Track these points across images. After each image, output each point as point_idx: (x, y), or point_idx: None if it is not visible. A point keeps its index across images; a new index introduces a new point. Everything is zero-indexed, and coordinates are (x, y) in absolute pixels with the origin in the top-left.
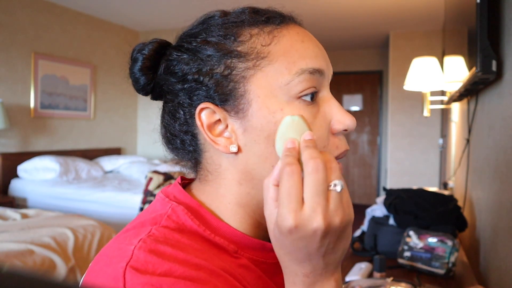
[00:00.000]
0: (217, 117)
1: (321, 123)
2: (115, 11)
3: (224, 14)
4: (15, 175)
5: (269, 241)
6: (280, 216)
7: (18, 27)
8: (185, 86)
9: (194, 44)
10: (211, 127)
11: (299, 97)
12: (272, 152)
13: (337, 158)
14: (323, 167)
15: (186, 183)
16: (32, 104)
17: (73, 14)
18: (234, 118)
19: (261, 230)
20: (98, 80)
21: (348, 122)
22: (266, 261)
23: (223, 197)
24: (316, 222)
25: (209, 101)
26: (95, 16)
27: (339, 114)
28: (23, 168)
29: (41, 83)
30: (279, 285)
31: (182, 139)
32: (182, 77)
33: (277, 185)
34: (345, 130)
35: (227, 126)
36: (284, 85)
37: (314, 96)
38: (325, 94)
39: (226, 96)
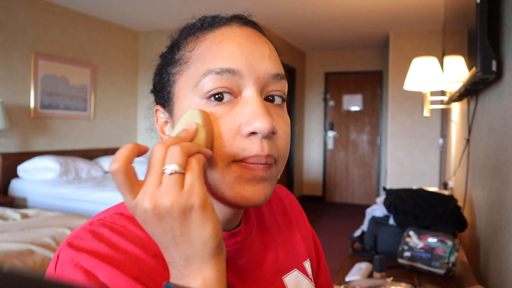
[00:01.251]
0: (164, 118)
1: (225, 123)
2: (115, 11)
3: (184, 26)
4: (15, 175)
5: (228, 231)
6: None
7: (18, 27)
8: (153, 92)
9: (161, 54)
10: (162, 126)
11: (208, 97)
12: None
13: (249, 161)
14: (160, 151)
15: None
16: (32, 104)
17: (73, 14)
18: (170, 118)
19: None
20: (98, 80)
21: (257, 124)
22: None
23: None
24: (144, 202)
25: (159, 103)
26: (95, 16)
27: (250, 116)
28: (23, 168)
29: (41, 83)
30: (238, 270)
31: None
32: (153, 85)
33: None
34: (254, 133)
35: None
36: (194, 87)
37: (222, 96)
38: (248, 94)
39: (165, 98)
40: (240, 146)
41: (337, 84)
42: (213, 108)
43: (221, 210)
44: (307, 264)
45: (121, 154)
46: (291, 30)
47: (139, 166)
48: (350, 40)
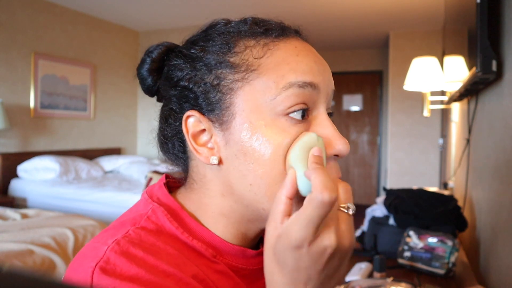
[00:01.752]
0: (202, 126)
1: None
2: (115, 11)
3: (226, 23)
4: (15, 175)
5: (253, 247)
6: (291, 230)
7: (18, 27)
8: (177, 92)
9: (192, 51)
10: (196, 135)
11: (287, 114)
12: (251, 170)
13: None
14: (334, 188)
15: (173, 187)
16: (32, 104)
17: (73, 14)
18: (218, 130)
19: (244, 240)
20: (98, 80)
21: (340, 147)
22: (246, 267)
23: (207, 206)
24: (329, 239)
25: (196, 109)
26: (95, 16)
27: (332, 137)
28: (23, 168)
29: (41, 83)
30: None
31: (172, 144)
32: (175, 82)
33: (291, 199)
34: (336, 155)
35: (211, 137)
36: (270, 100)
37: (304, 113)
38: (320, 112)
39: (212, 106)
40: None
41: (337, 84)
42: (291, 126)
43: (260, 228)
44: None
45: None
46: None
47: (139, 166)
48: (350, 40)
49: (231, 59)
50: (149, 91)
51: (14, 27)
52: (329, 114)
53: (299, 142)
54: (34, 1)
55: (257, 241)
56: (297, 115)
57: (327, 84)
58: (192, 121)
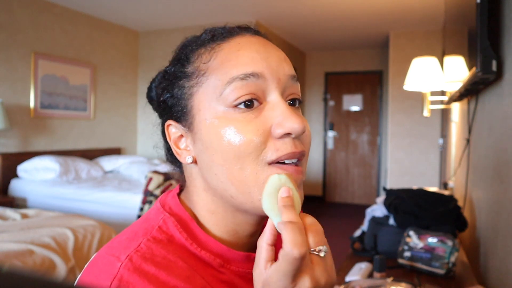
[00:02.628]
0: (179, 132)
1: (254, 127)
2: (115, 11)
3: (189, 39)
4: (15, 175)
5: (252, 251)
6: (272, 278)
7: (18, 27)
8: (160, 106)
9: (167, 69)
10: (177, 141)
11: (235, 106)
12: (214, 161)
13: (281, 160)
14: (305, 241)
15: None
16: (32, 104)
17: (73, 14)
18: (188, 132)
19: (237, 237)
20: (98, 80)
21: (288, 124)
22: (252, 271)
23: (197, 203)
24: (304, 285)
25: (172, 119)
26: (95, 16)
27: (280, 117)
28: (23, 168)
29: (41, 83)
30: None
31: (171, 152)
32: (157, 99)
33: (272, 245)
34: (289, 133)
35: (186, 140)
36: (218, 97)
37: (251, 103)
38: (272, 98)
39: (181, 113)
40: (273, 147)
41: (337, 84)
42: (241, 115)
43: (240, 226)
44: None
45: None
46: (291, 30)
47: (139, 166)
48: (350, 40)
49: (188, 70)
50: (157, 111)
51: (14, 27)
52: (293, 101)
53: (265, 190)
54: (34, 1)
55: (255, 239)
56: (243, 105)
57: (275, 69)
58: (171, 129)
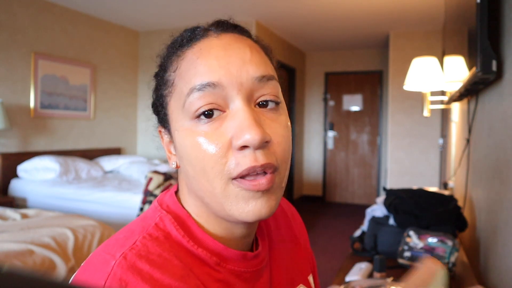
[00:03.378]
0: (168, 138)
1: (214, 140)
2: (115, 11)
3: (169, 43)
4: (15, 175)
5: (249, 250)
6: None
7: (18, 27)
8: (153, 112)
9: (154, 74)
10: (168, 145)
11: (197, 117)
12: (189, 169)
13: (242, 175)
14: None
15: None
16: (32, 104)
17: (73, 14)
18: (171, 139)
19: (231, 240)
20: (98, 80)
21: (246, 137)
22: (247, 270)
23: (186, 205)
24: None
25: (161, 125)
26: (95, 16)
27: (238, 129)
28: (23, 168)
29: (41, 83)
30: None
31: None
32: (151, 105)
33: None
34: (246, 146)
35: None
36: (183, 108)
37: (212, 112)
38: (235, 105)
39: (163, 121)
40: (234, 161)
41: (337, 84)
42: (203, 127)
43: (234, 227)
44: (311, 279)
45: None
46: (291, 30)
47: (139, 166)
48: (350, 40)
49: (164, 77)
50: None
51: (14, 27)
52: (266, 102)
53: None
54: (34, 1)
55: (252, 241)
56: (204, 116)
57: (235, 74)
58: (163, 134)
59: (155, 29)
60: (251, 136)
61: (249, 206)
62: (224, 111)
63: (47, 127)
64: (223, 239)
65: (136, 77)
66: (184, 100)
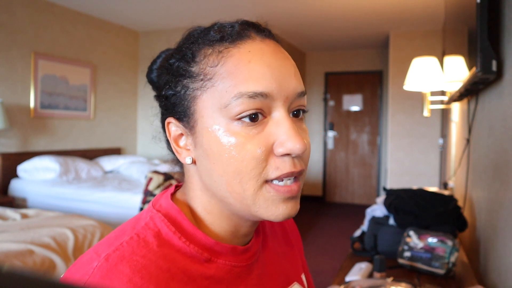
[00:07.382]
0: (180, 130)
1: (257, 144)
2: (115, 11)
3: (195, 32)
4: (15, 175)
5: (243, 245)
6: None
7: (18, 27)
8: (161, 101)
9: (171, 61)
10: (177, 139)
11: (239, 119)
12: (213, 169)
13: (280, 179)
14: None
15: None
16: (32, 104)
17: (73, 14)
18: (189, 134)
19: (235, 237)
20: (98, 80)
21: (290, 146)
22: (238, 264)
23: (193, 201)
24: None
25: (173, 116)
26: (95, 16)
27: (284, 137)
28: (23, 168)
29: (41, 83)
30: (249, 286)
31: (169, 146)
32: (159, 92)
33: None
34: (288, 154)
35: (187, 140)
36: (223, 108)
37: (256, 117)
38: (277, 115)
39: (183, 113)
40: (273, 165)
41: (337, 84)
42: (246, 129)
43: (243, 224)
44: (303, 277)
45: None
46: (291, 30)
47: (139, 166)
48: (350, 40)
49: (193, 69)
50: (157, 95)
51: (14, 27)
52: (298, 112)
53: None
54: (34, 1)
55: (249, 238)
56: (248, 119)
57: (285, 88)
58: (172, 126)
59: (155, 29)
60: (295, 146)
61: (279, 210)
62: (265, 117)
63: (47, 127)
64: (228, 232)
65: (136, 77)
66: (227, 101)
